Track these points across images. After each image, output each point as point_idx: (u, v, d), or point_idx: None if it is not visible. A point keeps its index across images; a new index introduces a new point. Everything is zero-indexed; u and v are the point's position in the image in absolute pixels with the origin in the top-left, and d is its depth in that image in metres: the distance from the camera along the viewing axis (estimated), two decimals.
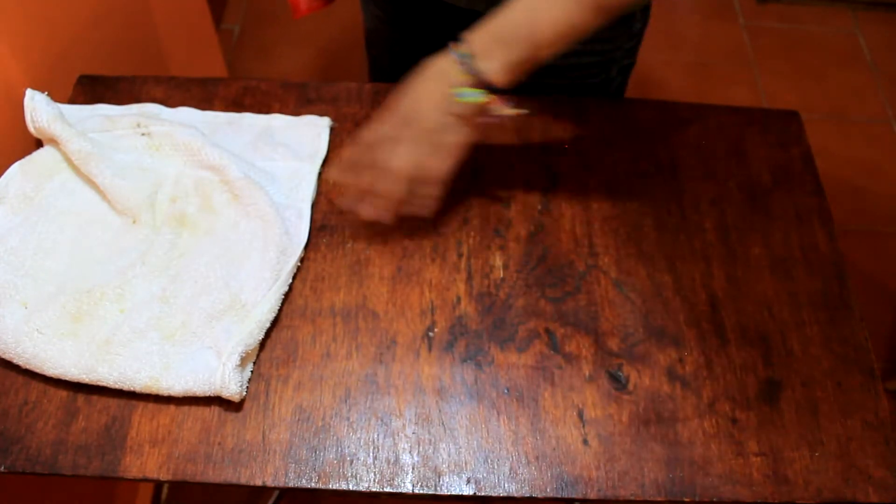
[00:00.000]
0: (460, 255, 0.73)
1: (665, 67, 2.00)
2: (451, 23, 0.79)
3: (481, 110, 0.65)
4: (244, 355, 0.64)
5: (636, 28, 0.88)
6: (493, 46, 0.62)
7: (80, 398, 0.63)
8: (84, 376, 0.62)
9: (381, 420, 0.63)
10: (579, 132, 0.83)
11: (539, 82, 0.88)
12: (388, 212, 0.68)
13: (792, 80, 1.98)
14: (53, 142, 0.75)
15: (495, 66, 0.62)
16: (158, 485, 1.31)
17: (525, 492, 0.61)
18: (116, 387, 0.63)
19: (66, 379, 0.63)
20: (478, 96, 0.63)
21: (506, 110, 0.65)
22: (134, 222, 0.72)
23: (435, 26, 0.85)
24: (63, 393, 0.64)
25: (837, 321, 0.71)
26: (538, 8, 0.62)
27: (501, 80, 0.63)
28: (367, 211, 0.68)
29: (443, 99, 0.64)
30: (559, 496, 0.61)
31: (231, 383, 0.61)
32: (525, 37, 0.62)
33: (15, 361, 0.64)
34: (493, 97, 0.63)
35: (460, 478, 0.61)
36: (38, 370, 0.63)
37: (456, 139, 0.66)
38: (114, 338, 0.64)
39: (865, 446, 0.64)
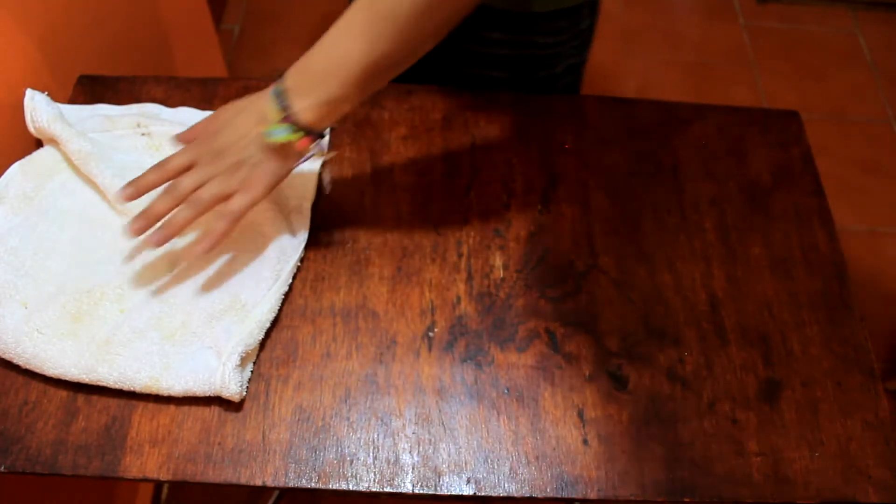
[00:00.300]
0: (460, 255, 0.73)
1: (665, 67, 2.00)
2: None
3: (290, 149, 0.63)
4: (244, 355, 0.64)
5: (584, 26, 0.87)
6: (307, 85, 0.61)
7: (80, 398, 0.63)
8: (84, 376, 0.62)
9: (381, 420, 0.63)
10: (579, 132, 0.83)
11: (482, 74, 0.88)
12: (166, 239, 0.64)
13: (792, 80, 1.98)
14: (53, 142, 0.75)
15: (306, 105, 0.61)
16: (158, 485, 1.31)
17: (525, 492, 0.61)
18: (116, 387, 0.63)
19: (66, 379, 0.63)
20: (286, 135, 0.61)
21: (313, 151, 0.64)
22: None
23: None
24: (63, 393, 0.64)
25: (837, 321, 0.71)
26: (344, 43, 0.60)
27: (311, 119, 0.61)
28: (157, 237, 0.63)
29: (255, 134, 0.63)
30: (559, 496, 0.61)
31: (231, 383, 0.61)
32: (333, 75, 0.60)
33: (15, 361, 0.64)
34: (301, 137, 0.62)
35: (460, 478, 0.61)
36: (37, 370, 0.63)
37: (264, 176, 0.64)
38: (114, 338, 0.64)
39: (865, 446, 0.64)
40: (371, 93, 0.63)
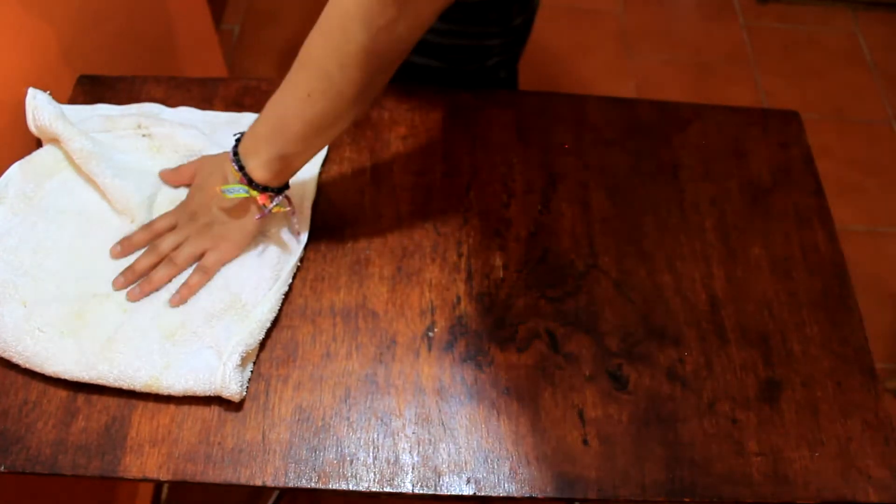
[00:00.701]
0: (460, 255, 0.73)
1: (665, 67, 1.99)
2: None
3: (249, 206, 0.67)
4: (244, 355, 0.64)
5: (515, 23, 0.88)
6: (255, 144, 0.64)
7: (80, 398, 0.63)
8: (84, 375, 0.62)
9: (381, 420, 0.63)
10: (579, 132, 0.83)
11: (410, 62, 0.89)
12: (144, 294, 0.67)
13: (792, 80, 1.98)
14: (54, 141, 0.75)
15: (256, 163, 0.64)
16: (158, 485, 1.31)
17: (525, 492, 0.61)
18: (117, 385, 0.63)
19: (66, 378, 0.63)
20: (241, 193, 0.65)
21: (269, 207, 0.66)
22: (132, 222, 0.72)
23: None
24: (63, 393, 0.64)
25: (837, 321, 0.71)
26: (285, 102, 0.62)
27: (264, 176, 0.64)
28: (136, 293, 0.67)
29: (218, 195, 0.67)
30: (559, 496, 0.61)
31: (231, 383, 0.61)
32: (278, 132, 0.63)
33: (15, 360, 0.64)
34: (256, 194, 0.65)
35: (460, 478, 0.61)
36: (38, 369, 0.63)
37: (231, 234, 0.68)
38: (115, 336, 0.64)
39: (865, 446, 0.64)
40: (324, 145, 0.67)
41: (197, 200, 0.69)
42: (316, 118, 0.61)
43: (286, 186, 0.68)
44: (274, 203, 0.66)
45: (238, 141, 0.65)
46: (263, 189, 0.65)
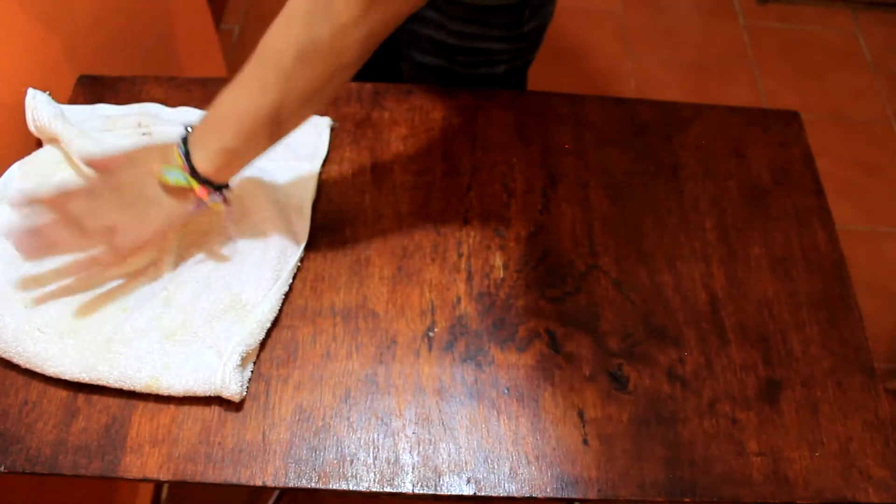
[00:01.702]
0: (460, 255, 0.73)
1: (665, 67, 2.00)
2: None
3: (187, 195, 0.64)
4: (245, 355, 0.64)
5: (526, 28, 0.87)
6: (204, 135, 0.62)
7: (80, 398, 0.63)
8: (84, 375, 0.62)
9: (381, 420, 0.63)
10: (579, 132, 0.83)
11: (422, 62, 0.89)
12: (38, 252, 0.63)
13: (792, 80, 1.98)
14: (53, 141, 0.75)
15: (202, 155, 0.61)
16: (158, 485, 1.31)
17: (525, 492, 0.61)
18: (117, 386, 0.63)
19: (67, 378, 0.63)
20: (180, 179, 0.62)
21: (206, 201, 0.64)
22: None
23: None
24: (63, 393, 0.64)
25: (837, 321, 0.71)
26: (237, 96, 0.60)
27: (208, 169, 0.62)
28: (29, 250, 0.62)
29: (154, 175, 0.63)
30: (559, 496, 0.61)
31: (231, 383, 0.61)
32: (230, 126, 0.61)
33: (15, 361, 0.64)
34: (196, 185, 0.62)
35: (460, 478, 0.61)
36: (38, 369, 0.63)
37: (155, 215, 0.64)
38: (115, 337, 0.64)
39: (865, 446, 0.64)
40: (270, 144, 0.63)
41: (129, 174, 0.63)
42: (266, 114, 0.59)
43: (226, 186, 0.65)
44: (211, 199, 0.63)
45: (188, 131, 0.63)
46: (203, 181, 0.62)
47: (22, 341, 0.63)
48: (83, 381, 0.63)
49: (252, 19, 2.01)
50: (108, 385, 0.63)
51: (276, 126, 0.61)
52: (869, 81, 1.99)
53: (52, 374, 0.63)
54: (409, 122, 0.82)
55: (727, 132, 0.84)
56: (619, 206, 0.77)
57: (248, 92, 0.60)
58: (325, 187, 0.77)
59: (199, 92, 0.84)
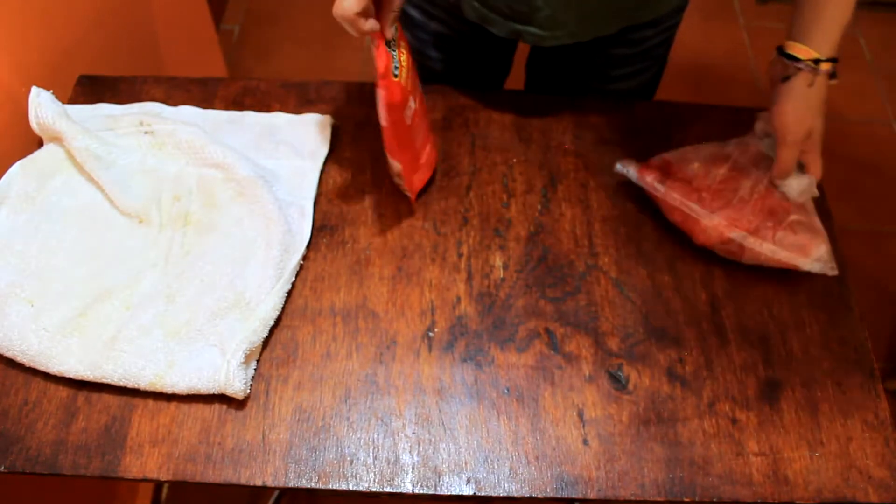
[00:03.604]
0: (460, 255, 0.73)
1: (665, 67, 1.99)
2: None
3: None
4: (248, 353, 0.64)
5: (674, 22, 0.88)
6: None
7: (81, 398, 0.63)
8: (89, 373, 0.62)
9: (381, 420, 0.63)
10: (579, 132, 0.83)
11: (616, 89, 0.91)
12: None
13: None
14: (55, 140, 0.75)
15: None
16: (158, 485, 1.31)
17: (525, 492, 0.61)
18: (121, 384, 0.63)
19: (71, 376, 0.63)
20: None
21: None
22: (140, 221, 0.72)
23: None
24: (63, 393, 0.64)
25: (837, 321, 0.71)
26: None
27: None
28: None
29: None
30: (559, 496, 0.61)
31: (235, 380, 0.61)
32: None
33: (19, 359, 0.64)
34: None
35: (460, 478, 0.61)
36: (42, 368, 0.63)
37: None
38: (119, 335, 0.64)
39: (865, 446, 0.64)
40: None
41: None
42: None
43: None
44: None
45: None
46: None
47: (27, 339, 0.63)
48: (87, 380, 0.63)
49: (252, 19, 2.01)
50: (112, 383, 0.63)
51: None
52: (869, 81, 1.99)
53: (57, 373, 0.63)
54: None
55: (727, 132, 0.84)
56: (619, 206, 0.77)
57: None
58: (325, 187, 0.77)
59: (199, 92, 0.84)
